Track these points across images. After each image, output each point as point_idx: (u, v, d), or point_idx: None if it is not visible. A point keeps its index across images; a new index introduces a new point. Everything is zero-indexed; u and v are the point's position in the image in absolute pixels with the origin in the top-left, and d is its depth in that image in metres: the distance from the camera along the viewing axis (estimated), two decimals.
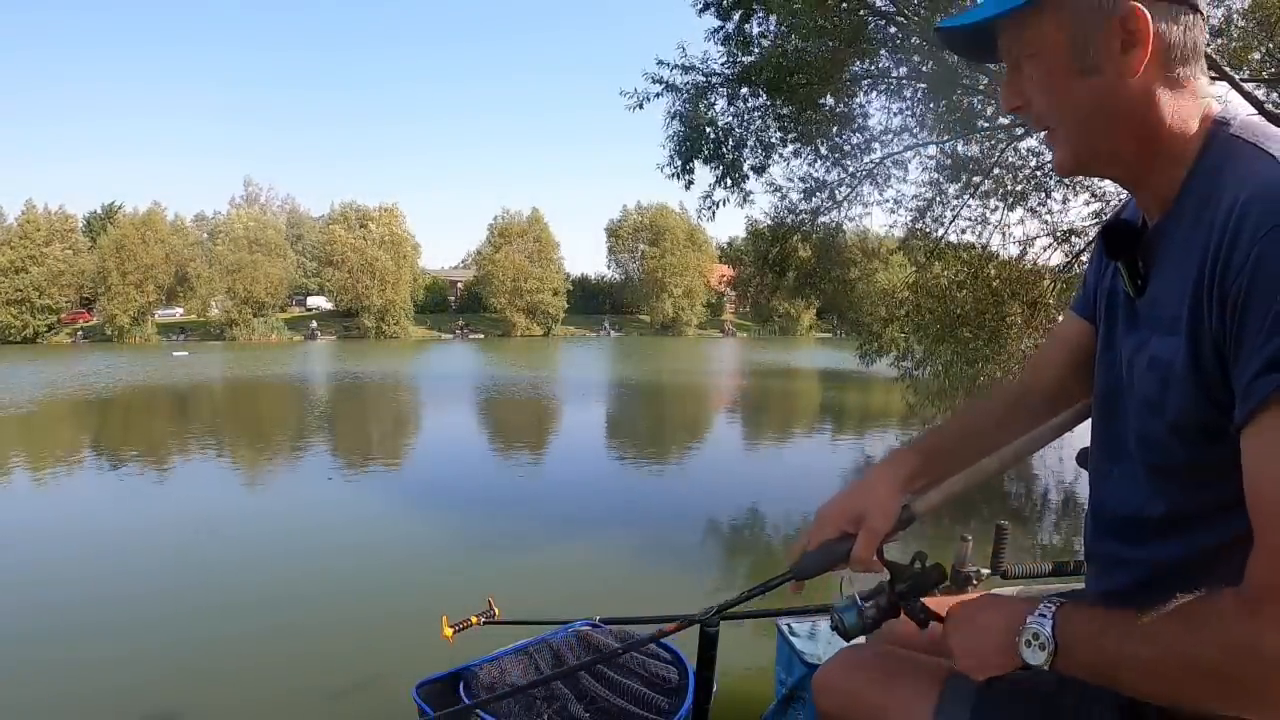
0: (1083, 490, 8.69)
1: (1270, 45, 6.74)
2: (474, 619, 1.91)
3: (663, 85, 8.78)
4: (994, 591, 0.95)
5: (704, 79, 8.81)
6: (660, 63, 8.75)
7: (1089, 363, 1.00)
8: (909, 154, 9.61)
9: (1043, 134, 0.88)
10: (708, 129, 8.85)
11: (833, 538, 0.98)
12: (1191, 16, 0.78)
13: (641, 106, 8.78)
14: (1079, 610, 0.80)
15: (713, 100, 8.96)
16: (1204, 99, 0.81)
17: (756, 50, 8.29)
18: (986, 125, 8.89)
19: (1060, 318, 9.99)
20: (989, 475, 1.05)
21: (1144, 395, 0.84)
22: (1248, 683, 0.67)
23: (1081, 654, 0.78)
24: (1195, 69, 0.80)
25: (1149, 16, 0.75)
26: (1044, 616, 0.80)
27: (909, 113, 9.12)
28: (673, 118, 8.97)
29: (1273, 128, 0.79)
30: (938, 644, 1.13)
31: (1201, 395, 0.75)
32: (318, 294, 60.12)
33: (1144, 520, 0.86)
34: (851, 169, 9.71)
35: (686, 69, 8.78)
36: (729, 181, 9.13)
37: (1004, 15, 0.82)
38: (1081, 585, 1.17)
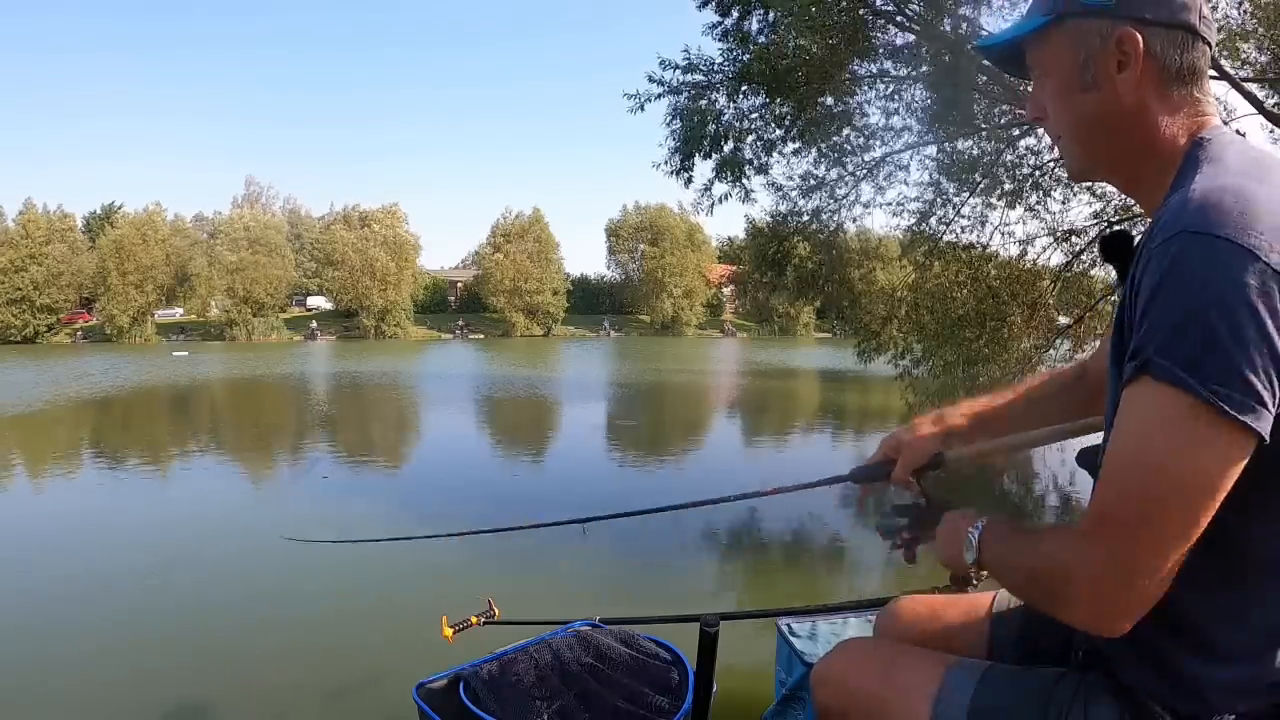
0: (1081, 490, 8.63)
1: (1270, 43, 6.74)
2: (474, 619, 1.91)
3: (664, 87, 8.79)
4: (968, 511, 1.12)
5: (704, 78, 8.82)
6: (662, 63, 8.76)
7: None
8: (908, 153, 9.61)
9: (1056, 142, 0.97)
10: (708, 125, 8.85)
11: (881, 460, 1.31)
12: (1190, 40, 0.84)
13: (643, 108, 8.80)
14: (998, 524, 1.01)
15: (714, 98, 8.96)
16: (1201, 116, 0.87)
17: (755, 47, 8.28)
18: (985, 125, 8.89)
19: (1062, 318, 10.02)
20: (1021, 448, 1.28)
21: (1109, 379, 0.92)
22: (1059, 594, 0.84)
23: (986, 555, 0.99)
24: (1193, 89, 0.86)
25: (1141, 40, 0.84)
26: (976, 527, 1.01)
27: (909, 112, 9.12)
28: (674, 116, 8.98)
29: (1232, 149, 0.83)
30: (937, 637, 1.21)
31: (1120, 375, 0.84)
32: (318, 294, 60.13)
33: None
34: (851, 168, 9.71)
35: (688, 69, 8.78)
36: (728, 176, 9.12)
37: (1027, 35, 0.93)
38: None
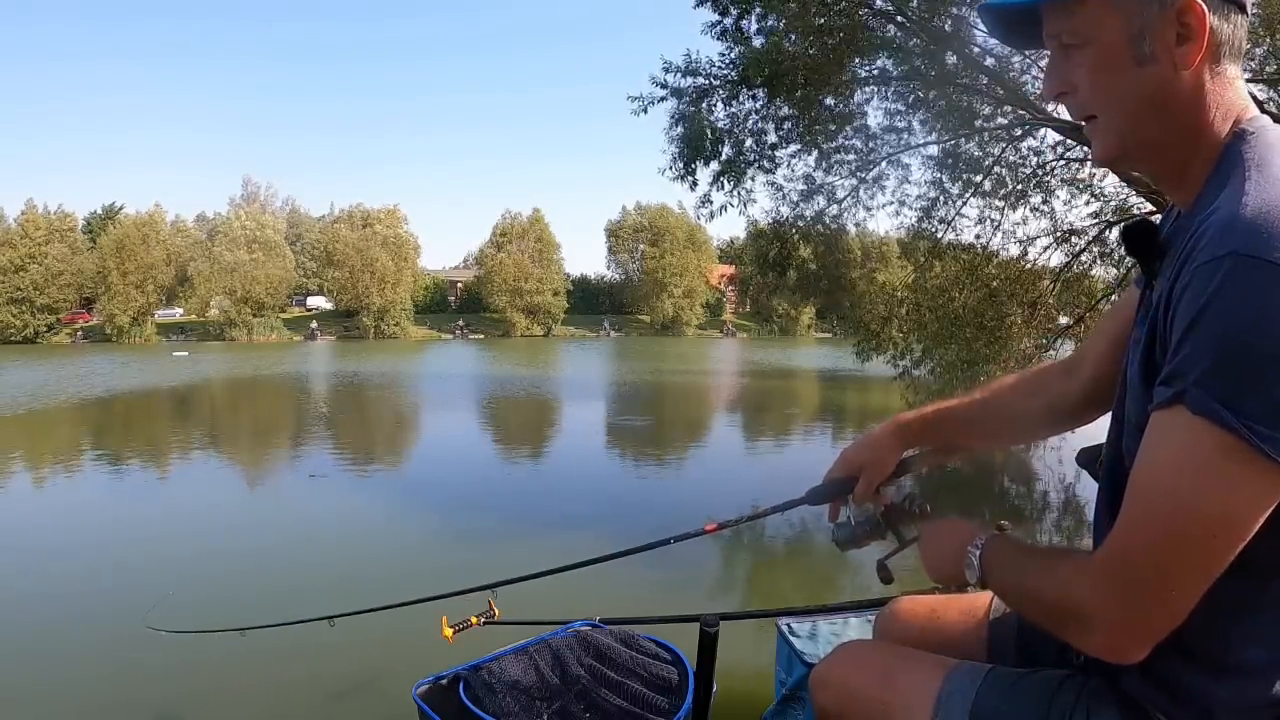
0: (1082, 490, 8.59)
1: (1270, 43, 6.72)
2: (474, 619, 1.91)
3: (667, 90, 8.78)
4: (957, 518, 1.09)
5: (705, 81, 8.80)
6: (665, 66, 8.75)
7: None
8: (909, 154, 9.60)
9: (1085, 123, 0.87)
10: (707, 131, 8.83)
11: (842, 477, 1.25)
12: (1238, 16, 0.79)
13: (646, 111, 8.79)
14: (1001, 542, 0.97)
15: (714, 102, 8.94)
16: (1242, 100, 0.81)
17: (751, 51, 8.26)
18: (985, 125, 8.88)
19: (1062, 318, 9.95)
20: (994, 444, 1.24)
21: (1130, 384, 0.87)
22: (1072, 624, 0.82)
23: (992, 577, 0.96)
24: (1238, 68, 0.81)
25: (1206, 11, 0.76)
26: (977, 547, 0.97)
27: (909, 112, 9.11)
28: (676, 122, 8.96)
29: (1276, 146, 0.78)
30: (936, 638, 1.20)
31: (1149, 391, 0.79)
32: (318, 294, 60.11)
33: None
34: (852, 168, 9.69)
35: (689, 72, 8.77)
36: (724, 184, 9.09)
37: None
38: None
